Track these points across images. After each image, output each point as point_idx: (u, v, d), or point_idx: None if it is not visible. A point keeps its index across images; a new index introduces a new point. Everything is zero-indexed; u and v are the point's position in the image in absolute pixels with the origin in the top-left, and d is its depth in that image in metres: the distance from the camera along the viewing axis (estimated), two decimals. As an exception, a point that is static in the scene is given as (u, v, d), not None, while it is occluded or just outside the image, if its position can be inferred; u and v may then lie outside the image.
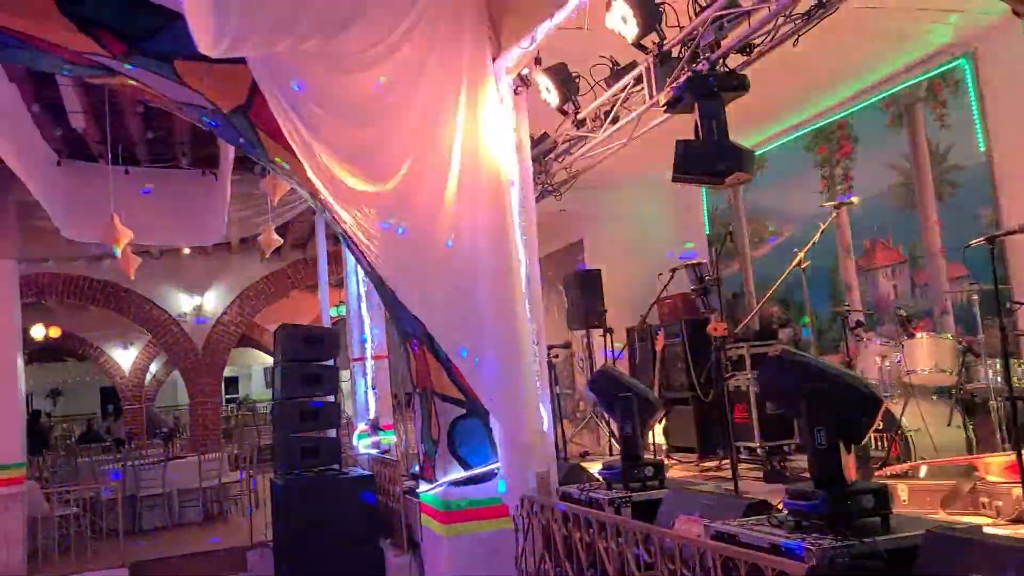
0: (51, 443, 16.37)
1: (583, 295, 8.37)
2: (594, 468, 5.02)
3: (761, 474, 5.62)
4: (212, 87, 4.49)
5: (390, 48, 4.13)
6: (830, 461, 2.86)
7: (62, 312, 16.39)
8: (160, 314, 13.57)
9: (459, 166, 4.30)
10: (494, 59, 4.50)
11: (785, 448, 5.65)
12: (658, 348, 8.13)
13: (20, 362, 9.10)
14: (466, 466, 4.64)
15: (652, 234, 8.90)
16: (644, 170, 6.88)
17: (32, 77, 6.74)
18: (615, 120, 4.70)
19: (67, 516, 9.08)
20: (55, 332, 16.32)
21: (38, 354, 22.47)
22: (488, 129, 4.41)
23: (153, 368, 20.44)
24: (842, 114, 7.01)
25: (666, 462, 4.89)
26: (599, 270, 8.45)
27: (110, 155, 7.15)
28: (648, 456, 4.78)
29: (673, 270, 7.01)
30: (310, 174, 4.40)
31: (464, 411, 4.66)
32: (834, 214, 4.99)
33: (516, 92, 4.75)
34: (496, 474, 4.54)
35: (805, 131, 7.44)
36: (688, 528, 3.36)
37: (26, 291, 12.21)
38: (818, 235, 4.81)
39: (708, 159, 3.55)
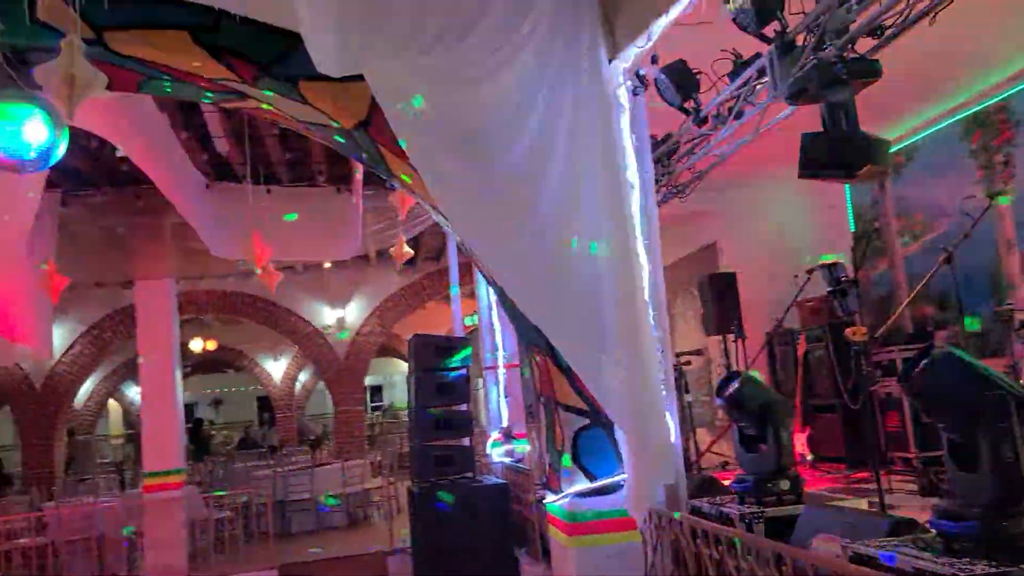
0: (212, 449, 17.45)
1: (718, 299, 8.11)
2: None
3: (916, 487, 5.22)
4: (334, 105, 4.61)
5: (508, 55, 4.10)
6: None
7: (218, 326, 17.46)
8: (305, 326, 14.20)
9: (578, 172, 4.22)
10: (610, 60, 4.40)
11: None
12: (800, 353, 7.74)
13: (178, 374, 9.71)
14: (591, 477, 4.53)
15: (791, 233, 8.49)
16: (778, 167, 6.56)
17: (179, 106, 7.19)
18: (739, 116, 4.49)
19: (223, 519, 9.62)
20: (212, 345, 17.40)
21: (200, 366, 24.06)
22: (606, 132, 4.31)
23: (302, 378, 21.43)
24: (1000, 96, 6.43)
25: (802, 476, 4.59)
26: (734, 273, 8.16)
27: (250, 177, 7.51)
28: (786, 468, 4.52)
29: (810, 271, 6.65)
30: (429, 187, 4.43)
31: (588, 421, 4.56)
32: (989, 206, 4.57)
33: (634, 92, 4.62)
34: (622, 486, 4.41)
35: (958, 117, 6.88)
36: (826, 548, 3.13)
37: (185, 307, 13.08)
38: (970, 229, 4.42)
39: (837, 152, 3.31)
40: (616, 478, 4.49)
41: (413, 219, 8.72)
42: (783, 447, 4.29)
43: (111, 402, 22.58)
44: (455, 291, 9.74)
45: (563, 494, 4.66)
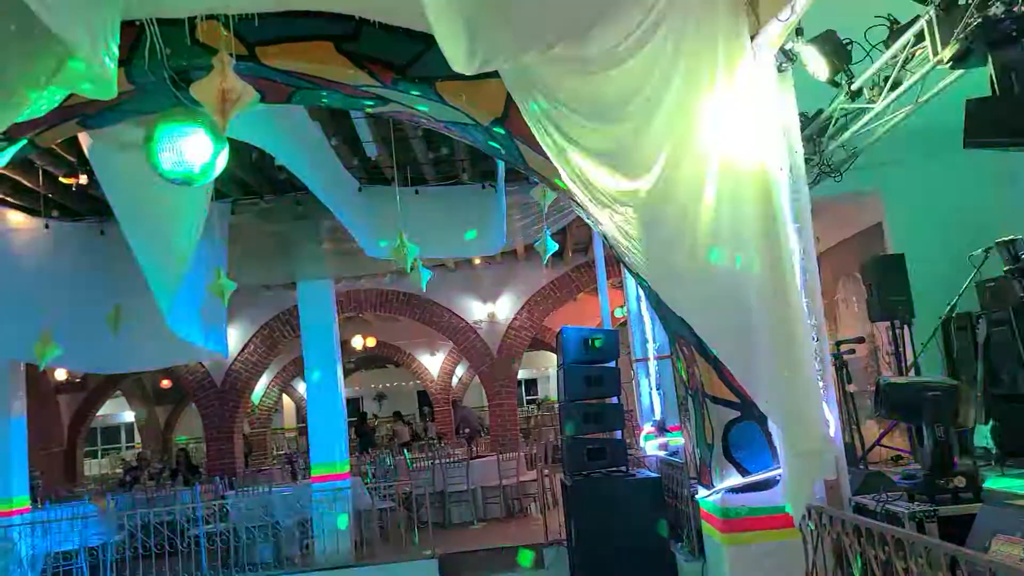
0: (376, 442, 18.19)
1: (885, 283, 7.60)
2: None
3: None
4: (470, 103, 4.66)
5: (639, 41, 4.00)
6: None
7: (377, 323, 18.19)
8: (458, 322, 14.53)
9: (719, 155, 4.05)
10: (752, 37, 4.19)
11: None
12: (980, 339, 7.15)
13: (340, 370, 10.17)
14: (744, 472, 4.36)
15: (965, 210, 7.83)
16: (945, 138, 6.08)
17: (330, 114, 7.51)
18: (896, 86, 4.17)
19: (386, 509, 10.00)
20: (372, 342, 18.13)
21: (364, 362, 25.16)
22: (750, 113, 4.11)
23: (459, 372, 21.97)
24: None
25: (982, 471, 4.23)
26: (902, 255, 7.62)
27: (397, 178, 7.74)
28: (964, 463, 4.18)
29: (987, 250, 6.11)
30: (565, 179, 4.39)
31: (739, 414, 4.39)
32: None
33: (780, 69, 4.40)
34: (778, 481, 4.22)
35: None
36: (1007, 551, 2.86)
37: (345, 306, 13.71)
38: None
39: (1008, 117, 3.00)
40: (771, 473, 4.29)
41: (557, 212, 8.72)
42: (958, 440, 3.97)
43: (284, 397, 24.00)
44: (603, 283, 9.67)
45: (715, 489, 4.51)
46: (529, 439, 15.48)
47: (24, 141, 4.84)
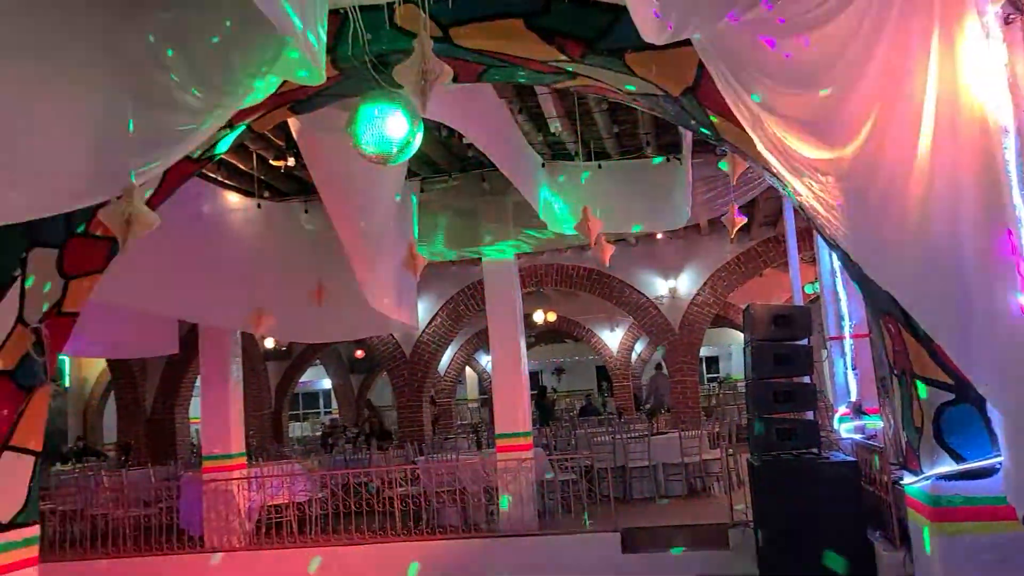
0: (556, 415, 18.47)
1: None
2: None
3: None
4: (660, 73, 4.57)
5: (842, 0, 3.76)
6: None
7: (557, 298, 18.39)
8: (639, 297, 14.42)
9: (933, 118, 3.74)
10: (974, -14, 3.84)
11: None
12: None
13: (523, 344, 10.38)
14: (958, 458, 4.05)
15: None
16: None
17: (516, 91, 7.63)
18: None
19: (568, 481, 10.15)
20: (552, 316, 18.36)
21: (544, 336, 25.57)
22: (970, 71, 3.76)
23: (638, 347, 21.85)
24: None
25: None
26: None
27: (580, 153, 7.76)
28: None
29: None
30: (760, 148, 4.22)
31: (952, 396, 4.07)
32: None
33: (1007, 21, 4.00)
34: (998, 469, 3.89)
35: None
36: None
37: (527, 281, 13.96)
38: None
39: None
40: (990, 461, 3.97)
41: (745, 184, 8.43)
42: None
43: (467, 369, 24.84)
44: (794, 258, 9.27)
45: (924, 475, 4.23)
46: (711, 418, 15.16)
47: (243, 127, 5.25)
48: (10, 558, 4.80)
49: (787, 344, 7.65)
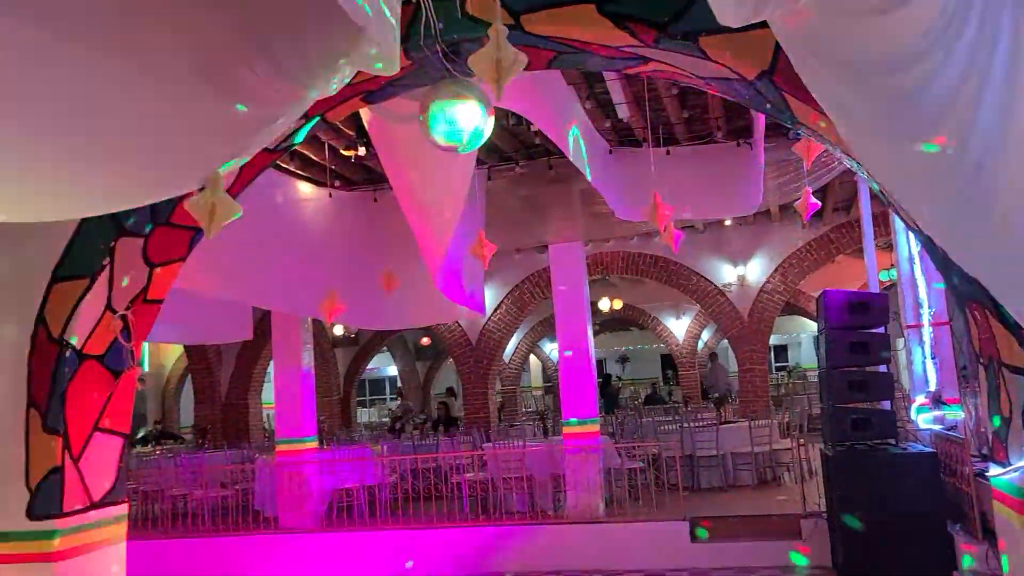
0: (620, 403, 18.40)
1: None
2: None
3: None
4: (735, 57, 4.47)
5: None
6: None
7: (623, 286, 18.29)
8: (707, 285, 14.24)
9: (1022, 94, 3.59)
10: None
11: None
12: None
13: (590, 331, 10.36)
14: (1050, 451, 3.91)
15: None
16: None
17: (583, 78, 7.58)
18: None
19: (634, 469, 10.11)
20: (618, 304, 18.25)
21: (608, 324, 25.47)
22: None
23: (704, 336, 21.59)
24: None
25: None
26: None
27: (650, 139, 7.68)
28: None
29: None
30: (841, 131, 4.11)
31: (1043, 386, 3.93)
32: None
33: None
34: (1094, 464, 3.74)
35: None
36: None
37: (593, 269, 13.91)
38: None
39: None
40: (1085, 454, 3.82)
41: (820, 169, 8.23)
42: None
43: (531, 357, 24.91)
44: (869, 244, 9.02)
45: (1012, 467, 4.09)
46: (781, 407, 14.91)
47: (317, 119, 5.34)
48: (103, 534, 5.02)
49: (863, 332, 7.48)
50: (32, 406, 4.88)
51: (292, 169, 9.28)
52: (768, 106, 4.88)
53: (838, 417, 7.34)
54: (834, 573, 7.78)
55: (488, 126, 4.93)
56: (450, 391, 18.88)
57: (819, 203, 7.66)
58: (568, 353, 10.12)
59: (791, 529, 8.38)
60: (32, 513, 4.78)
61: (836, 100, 4.02)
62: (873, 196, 8.90)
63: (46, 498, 4.79)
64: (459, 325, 15.06)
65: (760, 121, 7.60)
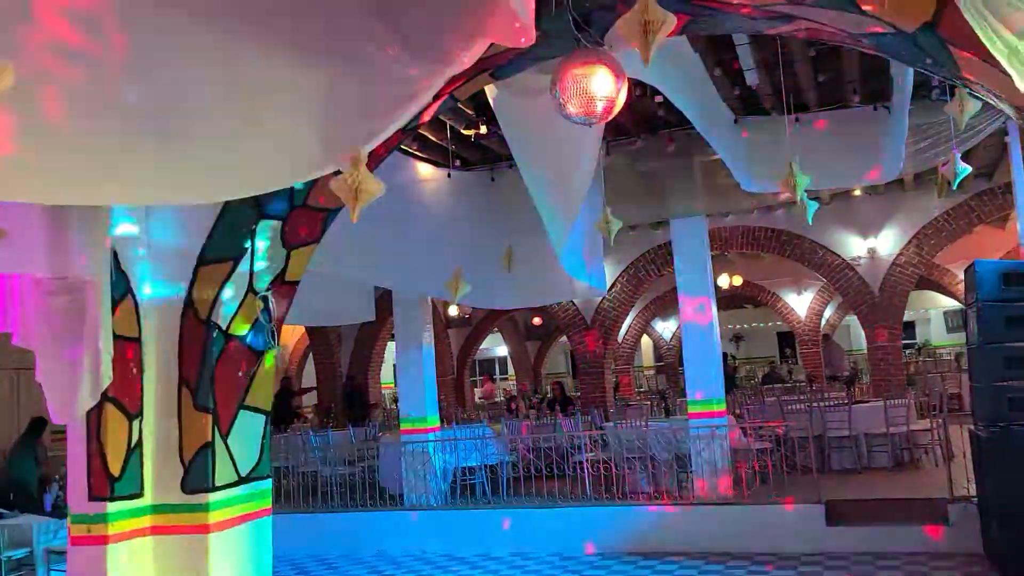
0: (737, 383, 17.93)
1: None
2: None
3: None
4: (893, 8, 4.17)
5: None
6: None
7: (741, 262, 17.75)
8: (833, 259, 13.61)
9: None
10: None
11: None
12: None
13: (715, 307, 10.06)
14: None
15: None
16: None
17: (711, 45, 7.29)
18: None
19: (763, 450, 9.78)
20: (737, 280, 17.73)
21: (722, 302, 24.81)
22: None
23: (827, 312, 20.77)
24: None
25: None
26: None
27: (782, 106, 7.33)
28: None
29: None
30: (1019, 83, 3.76)
31: None
32: None
33: None
34: None
35: None
36: None
37: (712, 244, 13.49)
38: None
39: None
40: None
41: (967, 131, 7.67)
42: None
43: (644, 336, 24.56)
44: (1022, 209, 8.39)
45: None
46: (915, 386, 14.17)
47: (449, 98, 5.30)
48: (251, 507, 5.18)
49: (1020, 305, 6.95)
50: (184, 385, 5.07)
51: (412, 151, 9.34)
52: (929, 60, 4.54)
53: (993, 396, 6.87)
54: (985, 560, 7.33)
55: (622, 96, 4.78)
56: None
57: (969, 168, 7.16)
58: (693, 326, 9.85)
59: (937, 514, 7.93)
60: (187, 487, 4.97)
61: (1012, 49, 3.69)
62: (1025, 158, 8.28)
63: (199, 472, 4.97)
64: (573, 304, 14.93)
65: (906, 82, 7.12)
